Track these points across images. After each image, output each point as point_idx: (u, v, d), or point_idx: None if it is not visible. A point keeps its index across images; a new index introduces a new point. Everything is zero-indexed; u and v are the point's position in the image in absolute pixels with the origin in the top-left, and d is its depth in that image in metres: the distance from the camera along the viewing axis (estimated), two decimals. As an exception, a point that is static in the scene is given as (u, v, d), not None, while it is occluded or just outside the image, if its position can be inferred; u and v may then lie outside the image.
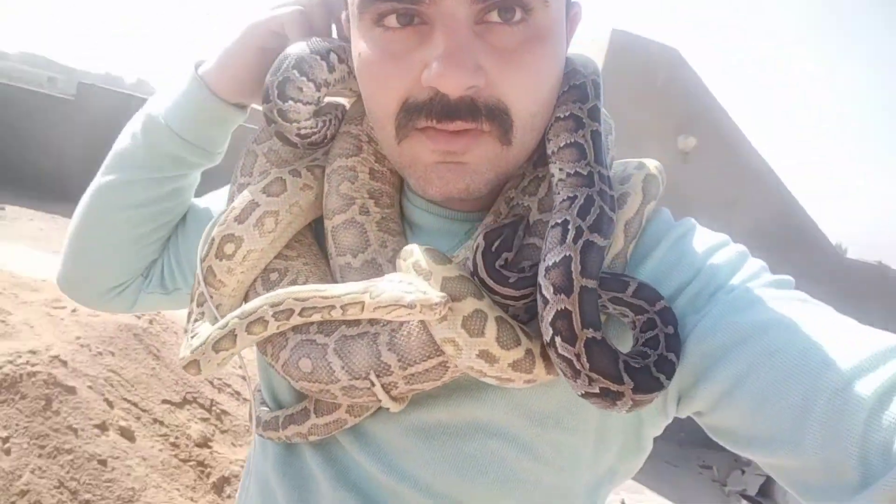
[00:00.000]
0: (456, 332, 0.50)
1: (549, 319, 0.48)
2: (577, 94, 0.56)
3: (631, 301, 0.52)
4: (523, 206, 0.58)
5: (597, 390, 0.47)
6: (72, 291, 0.80)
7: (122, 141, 0.73)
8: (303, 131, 0.62)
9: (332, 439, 0.64)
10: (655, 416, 0.58)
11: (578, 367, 0.47)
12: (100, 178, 0.73)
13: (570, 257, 0.49)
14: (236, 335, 0.56)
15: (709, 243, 0.58)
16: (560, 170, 0.55)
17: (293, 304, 0.54)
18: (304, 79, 0.60)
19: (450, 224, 0.63)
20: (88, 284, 0.78)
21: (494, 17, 0.51)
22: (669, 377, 0.49)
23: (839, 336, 0.45)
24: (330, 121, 0.65)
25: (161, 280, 0.79)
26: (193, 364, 0.59)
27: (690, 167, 5.47)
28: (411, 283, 0.50)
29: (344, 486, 0.61)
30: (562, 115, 0.56)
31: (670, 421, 0.59)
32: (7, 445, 2.00)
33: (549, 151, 0.57)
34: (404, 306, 0.48)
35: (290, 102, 0.60)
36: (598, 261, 0.49)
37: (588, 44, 5.65)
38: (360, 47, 0.55)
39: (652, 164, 0.63)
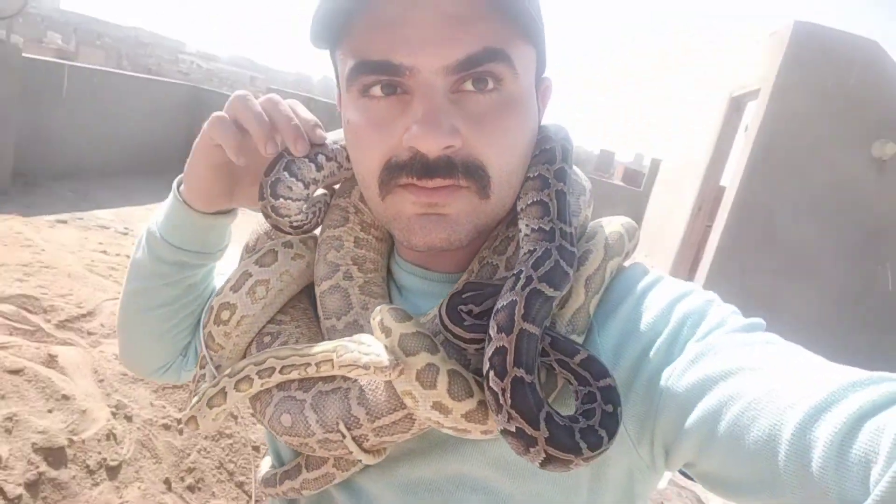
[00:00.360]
0: (411, 385, 0.53)
1: (489, 355, 0.51)
2: (545, 157, 0.60)
3: (576, 369, 0.52)
4: (492, 265, 0.61)
5: (513, 429, 0.48)
6: (130, 369, 0.89)
7: (135, 252, 0.78)
8: (294, 223, 0.68)
9: (328, 497, 0.68)
10: (645, 471, 0.58)
11: (502, 401, 0.49)
12: (125, 285, 0.79)
13: (516, 301, 0.51)
14: (226, 392, 0.62)
15: (674, 293, 0.59)
16: (526, 225, 0.58)
17: (274, 363, 0.60)
18: (294, 179, 0.65)
19: (432, 285, 0.67)
20: (139, 366, 0.86)
21: (469, 86, 0.55)
22: (592, 448, 0.48)
23: (806, 374, 0.45)
24: (320, 209, 0.71)
25: (196, 358, 0.85)
26: (192, 420, 0.64)
27: (887, 178, 4.78)
28: (370, 345, 0.54)
29: None
30: (531, 176, 0.60)
31: (661, 476, 0.59)
32: (181, 426, 2.35)
33: (518, 209, 0.60)
34: (361, 366, 0.52)
35: (282, 200, 0.65)
36: (544, 309, 0.51)
37: (766, 38, 5.14)
38: (348, 115, 0.60)
39: (619, 222, 0.65)
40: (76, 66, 7.77)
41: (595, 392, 0.51)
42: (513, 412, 0.48)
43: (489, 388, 0.50)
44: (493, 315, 0.52)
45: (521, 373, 0.49)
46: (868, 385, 0.41)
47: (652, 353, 0.55)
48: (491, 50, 0.54)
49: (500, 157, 0.57)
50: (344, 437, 0.58)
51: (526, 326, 0.50)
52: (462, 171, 0.56)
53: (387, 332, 0.54)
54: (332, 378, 0.60)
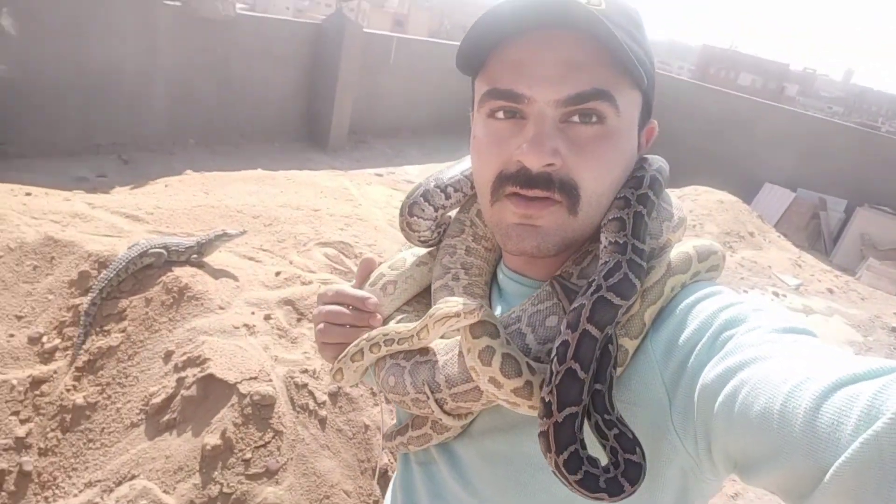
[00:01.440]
0: (474, 362, 0.64)
1: (556, 345, 0.61)
2: (634, 182, 0.69)
3: (613, 424, 0.59)
4: (568, 272, 0.71)
5: (546, 399, 0.58)
6: None
7: None
8: (423, 238, 0.85)
9: (431, 459, 0.82)
10: (696, 471, 0.63)
11: (553, 380, 0.58)
12: None
13: (584, 305, 0.60)
14: (363, 351, 0.77)
15: (722, 303, 0.63)
16: (605, 238, 0.67)
17: (394, 335, 0.75)
18: (427, 203, 0.82)
19: (526, 289, 0.77)
20: None
21: (575, 118, 0.65)
22: (590, 489, 0.56)
23: (815, 360, 0.49)
24: (444, 229, 0.85)
25: None
26: (339, 371, 0.80)
27: None
28: (456, 300, 0.67)
29: (437, 500, 0.80)
30: (618, 196, 0.69)
31: (714, 480, 0.64)
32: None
33: (601, 224, 0.68)
34: (452, 315, 0.65)
35: (415, 218, 0.82)
36: (609, 314, 0.59)
37: None
38: (476, 131, 0.72)
39: (692, 244, 0.70)
40: (403, 38, 8.95)
41: (619, 462, 0.58)
42: (554, 394, 0.58)
43: (550, 368, 0.60)
44: (566, 315, 0.62)
45: (576, 366, 0.58)
46: (887, 372, 0.44)
47: (694, 355, 0.60)
48: (597, 90, 0.64)
49: (592, 180, 0.66)
50: (427, 398, 0.71)
51: (589, 328, 0.59)
52: (558, 187, 0.65)
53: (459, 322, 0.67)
54: (427, 351, 0.74)
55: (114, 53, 6.37)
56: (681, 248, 0.70)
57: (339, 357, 0.80)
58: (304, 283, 2.92)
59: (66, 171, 5.74)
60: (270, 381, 2.29)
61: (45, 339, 2.43)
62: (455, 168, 0.85)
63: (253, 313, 2.63)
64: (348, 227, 3.53)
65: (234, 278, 2.77)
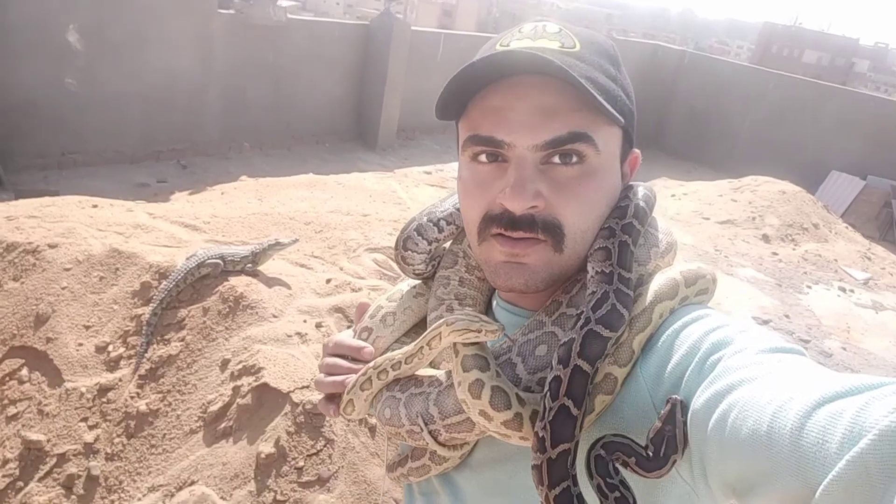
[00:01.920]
0: (465, 395, 0.65)
1: (549, 380, 0.61)
2: (618, 213, 0.71)
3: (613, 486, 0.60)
4: (557, 302, 0.72)
5: (541, 434, 0.59)
6: None
7: None
8: (417, 271, 0.88)
9: (434, 490, 0.84)
10: (693, 497, 0.63)
11: (547, 416, 0.59)
12: None
13: (574, 339, 0.61)
14: (371, 379, 0.78)
15: (709, 326, 0.63)
16: (592, 268, 0.68)
17: (399, 356, 0.75)
18: (420, 237, 0.84)
19: (520, 319, 0.78)
20: None
21: (556, 160, 0.67)
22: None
23: (801, 379, 0.50)
24: (438, 262, 0.87)
25: None
26: (350, 403, 0.80)
27: None
28: (476, 315, 0.67)
29: None
30: (603, 227, 0.70)
31: None
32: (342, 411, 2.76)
33: (588, 253, 0.70)
34: (473, 330, 0.65)
35: (409, 252, 0.85)
36: (598, 347, 0.61)
37: None
38: (461, 173, 0.74)
39: (679, 270, 0.70)
40: (449, 34, 8.93)
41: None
42: (548, 430, 0.59)
43: (543, 405, 0.60)
44: (557, 349, 0.63)
45: (569, 403, 0.59)
46: (877, 387, 0.44)
47: (684, 382, 0.61)
48: (574, 133, 0.65)
49: (575, 218, 0.68)
50: (421, 430, 0.72)
51: (580, 363, 0.60)
52: (541, 227, 0.67)
53: (456, 352, 0.67)
54: (422, 383, 0.75)
55: (171, 63, 6.61)
56: (668, 273, 0.70)
57: (349, 388, 0.81)
58: (354, 290, 2.96)
59: (129, 177, 6.01)
60: (321, 389, 2.34)
61: (110, 347, 2.55)
62: (447, 202, 0.87)
63: (305, 321, 2.69)
64: (397, 231, 3.56)
65: (287, 286, 2.84)
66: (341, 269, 3.21)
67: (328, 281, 2.96)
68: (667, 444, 0.58)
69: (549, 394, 0.61)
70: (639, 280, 0.70)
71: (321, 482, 2.19)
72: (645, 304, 0.67)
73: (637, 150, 0.77)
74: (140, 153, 6.54)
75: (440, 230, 0.85)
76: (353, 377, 0.81)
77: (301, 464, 2.20)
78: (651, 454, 0.59)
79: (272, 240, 2.89)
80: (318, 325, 2.70)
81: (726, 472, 0.54)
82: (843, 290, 5.96)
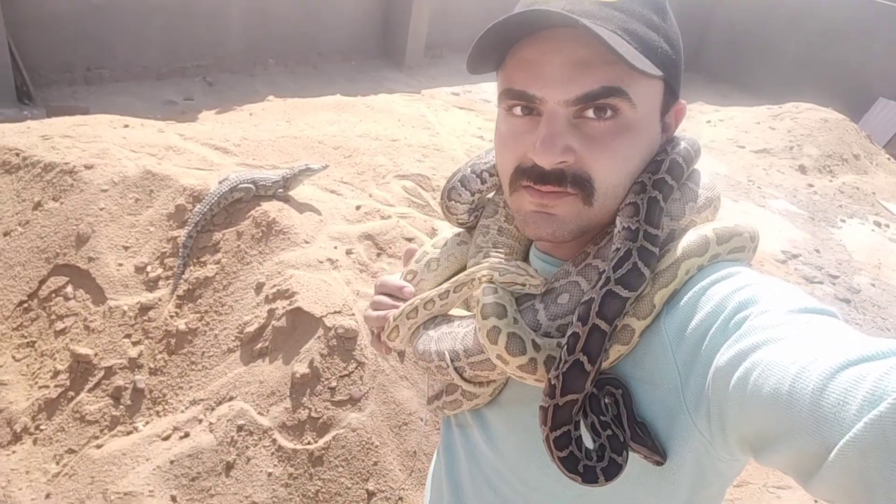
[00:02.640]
0: (484, 340, 0.69)
1: (568, 335, 0.65)
2: (652, 167, 0.70)
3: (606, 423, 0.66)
4: (586, 253, 0.73)
5: (556, 389, 0.63)
6: None
7: None
8: (460, 220, 0.91)
9: (467, 423, 0.89)
10: (710, 449, 0.64)
11: (560, 367, 0.64)
12: None
13: (593, 299, 0.64)
14: (417, 308, 0.83)
15: (736, 285, 0.63)
16: (619, 222, 0.68)
17: (449, 286, 0.80)
18: (464, 188, 0.87)
19: (553, 269, 0.80)
20: None
21: (590, 114, 0.67)
22: (568, 469, 0.63)
23: (825, 342, 0.51)
24: (480, 213, 0.90)
25: None
26: (395, 329, 0.85)
27: None
28: (524, 268, 0.72)
29: (471, 461, 0.88)
30: (636, 181, 0.70)
31: (731, 464, 0.66)
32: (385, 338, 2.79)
33: (618, 207, 0.70)
34: (518, 283, 0.70)
35: (453, 202, 0.89)
36: (617, 307, 0.63)
37: None
38: (498, 125, 0.75)
39: (712, 227, 0.69)
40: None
41: (604, 457, 0.65)
42: (561, 378, 0.63)
43: (560, 356, 0.64)
44: (578, 305, 0.66)
45: (584, 358, 0.63)
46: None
47: (708, 338, 0.61)
48: (607, 88, 0.65)
49: (607, 173, 0.68)
50: (447, 366, 0.77)
51: (598, 322, 0.63)
52: (571, 181, 0.68)
53: (477, 301, 0.72)
54: (452, 323, 0.80)
55: (194, -28, 6.38)
56: (700, 230, 0.69)
57: (396, 315, 0.85)
58: (383, 218, 2.98)
59: (156, 94, 5.97)
60: (353, 314, 2.40)
61: (149, 268, 2.63)
62: (491, 153, 0.88)
63: (336, 248, 2.73)
64: (426, 158, 3.53)
65: (318, 212, 2.86)
66: (370, 195, 3.21)
67: (358, 207, 2.97)
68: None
69: (566, 347, 0.64)
70: (670, 235, 0.70)
71: (353, 401, 2.30)
72: (672, 259, 0.67)
73: (683, 101, 0.76)
74: (165, 68, 6.45)
75: (483, 182, 0.87)
76: (400, 306, 0.86)
77: (334, 384, 2.30)
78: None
79: (303, 165, 2.89)
80: (349, 252, 2.74)
81: (745, 429, 0.55)
82: (879, 224, 5.83)
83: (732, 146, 6.91)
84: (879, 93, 9.14)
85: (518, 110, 0.70)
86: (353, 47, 7.87)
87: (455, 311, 0.86)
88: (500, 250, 0.85)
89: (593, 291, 0.65)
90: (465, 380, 0.78)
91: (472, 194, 0.88)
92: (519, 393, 0.79)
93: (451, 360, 0.76)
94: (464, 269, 0.91)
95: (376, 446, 2.27)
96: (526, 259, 0.87)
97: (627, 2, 0.67)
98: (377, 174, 3.30)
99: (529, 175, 0.70)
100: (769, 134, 7.09)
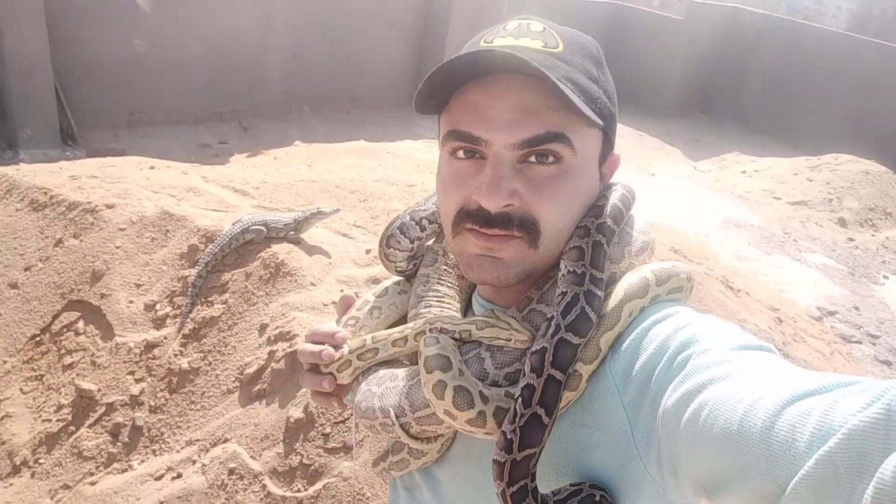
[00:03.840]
0: (430, 395, 0.67)
1: (521, 386, 0.64)
2: (595, 212, 0.71)
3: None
4: (529, 298, 0.73)
5: (509, 436, 0.62)
6: None
7: None
8: (398, 268, 0.89)
9: (416, 484, 0.85)
10: (658, 490, 0.63)
11: (516, 422, 0.62)
12: None
13: (546, 349, 0.63)
14: (372, 350, 0.79)
15: (677, 324, 0.64)
16: (564, 266, 0.69)
17: (389, 340, 0.78)
18: (403, 236, 0.86)
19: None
20: None
21: (533, 159, 0.67)
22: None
23: (769, 378, 0.51)
24: (420, 260, 0.88)
25: None
26: (347, 363, 0.80)
27: None
28: (508, 323, 0.69)
29: None
30: (579, 225, 0.71)
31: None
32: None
33: (563, 250, 0.71)
34: (503, 339, 0.68)
35: (392, 249, 0.87)
36: (569, 354, 0.63)
37: None
38: (440, 168, 0.75)
39: (650, 269, 0.70)
40: (515, -5, 8.64)
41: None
42: (517, 432, 0.62)
43: (514, 409, 0.63)
44: (528, 354, 0.65)
45: (541, 411, 0.62)
46: (847, 385, 0.45)
47: (654, 380, 0.62)
48: (552, 133, 0.66)
49: (551, 216, 0.69)
50: (393, 423, 0.73)
51: (553, 372, 0.62)
52: (517, 224, 0.68)
53: (420, 354, 0.70)
54: (396, 377, 0.76)
55: (234, 25, 6.72)
56: (639, 272, 0.71)
57: (349, 350, 0.81)
58: (392, 262, 2.99)
59: (193, 137, 6.22)
60: (352, 360, 2.38)
61: (158, 306, 2.68)
62: (430, 200, 0.88)
63: (342, 290, 2.73)
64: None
65: (327, 255, 2.88)
66: (382, 239, 3.23)
67: (368, 251, 2.98)
68: None
69: (521, 400, 0.63)
70: (611, 278, 0.71)
71: (346, 449, 2.25)
72: (615, 302, 0.67)
73: (617, 153, 0.77)
74: (203, 114, 6.73)
75: (422, 229, 0.87)
76: (354, 342, 0.82)
77: (328, 430, 2.26)
78: None
79: (314, 208, 2.93)
80: (356, 296, 2.75)
81: (697, 470, 0.55)
82: (924, 282, 5.55)
83: (768, 197, 6.75)
84: (926, 145, 8.84)
85: (461, 153, 0.70)
86: (385, 94, 8.08)
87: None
88: (443, 300, 0.83)
89: (544, 340, 0.64)
90: (411, 436, 0.75)
91: (412, 241, 0.87)
92: (467, 448, 0.77)
93: (397, 417, 0.74)
94: (404, 318, 0.89)
95: (367, 498, 2.20)
96: (469, 307, 0.86)
97: (569, 53, 0.68)
98: (391, 218, 3.33)
99: (475, 218, 0.69)
100: (807, 185, 6.92)
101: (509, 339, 0.67)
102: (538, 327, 0.68)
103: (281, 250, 2.79)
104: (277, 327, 2.53)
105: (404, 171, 3.94)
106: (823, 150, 7.76)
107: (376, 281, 2.84)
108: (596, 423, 0.66)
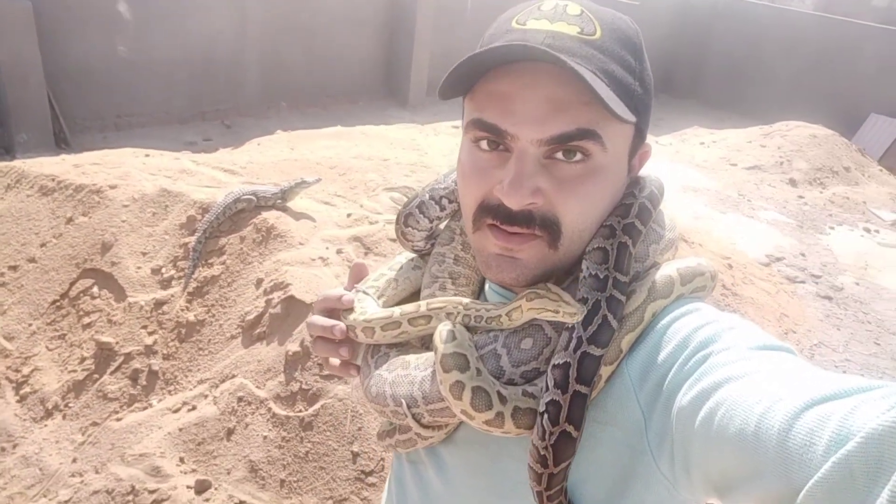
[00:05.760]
0: (447, 393, 0.65)
1: (546, 400, 0.62)
2: (621, 211, 0.68)
3: None
4: None
5: (548, 460, 0.62)
6: None
7: None
8: (416, 247, 0.87)
9: (420, 460, 0.83)
10: (668, 487, 0.63)
11: (547, 438, 0.61)
12: None
13: (569, 364, 0.62)
14: (398, 322, 0.76)
15: (697, 323, 0.63)
16: (586, 268, 0.66)
17: (450, 307, 0.73)
18: (422, 215, 0.83)
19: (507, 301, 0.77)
20: None
21: (560, 155, 0.64)
22: None
23: (787, 379, 0.51)
24: (437, 239, 0.86)
25: None
26: (370, 329, 0.76)
27: None
28: (557, 294, 0.64)
29: (424, 497, 0.83)
30: (604, 224, 0.68)
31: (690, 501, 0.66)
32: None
33: (586, 250, 0.68)
34: (550, 310, 0.63)
35: (410, 229, 0.84)
36: (593, 367, 0.62)
37: None
38: (461, 155, 0.71)
39: (675, 267, 0.69)
40: (478, -11, 9.03)
41: None
42: (550, 449, 0.61)
43: (542, 425, 0.62)
44: (550, 367, 0.63)
45: (570, 428, 0.61)
46: (864, 391, 0.45)
47: (670, 376, 0.61)
48: (583, 130, 0.62)
49: (575, 216, 0.65)
50: (406, 415, 0.72)
51: (579, 388, 0.61)
52: (539, 223, 0.65)
53: (435, 349, 0.67)
54: (408, 364, 0.74)
55: (211, 29, 7.05)
56: (664, 271, 0.68)
57: (373, 317, 0.77)
58: (371, 223, 3.32)
59: (178, 136, 6.52)
60: (339, 301, 2.72)
61: (163, 270, 3.00)
62: (449, 178, 0.83)
63: (327, 248, 3.07)
64: (413, 173, 3.89)
65: (312, 220, 3.22)
66: (361, 206, 3.57)
67: (349, 215, 3.32)
68: None
69: (547, 416, 0.61)
70: (634, 276, 0.68)
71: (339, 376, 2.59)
72: (638, 302, 0.65)
73: (648, 144, 0.73)
74: (187, 114, 7.05)
75: (442, 208, 0.83)
76: (382, 311, 0.79)
77: (321, 360, 2.60)
78: None
79: (299, 179, 3.27)
80: (339, 251, 3.08)
81: (710, 469, 0.54)
82: (868, 230, 6.00)
83: (724, 164, 7.18)
84: (871, 109, 9.38)
85: (485, 144, 0.66)
86: (360, 89, 8.43)
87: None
88: (458, 281, 0.80)
89: (567, 354, 0.62)
90: (422, 426, 0.73)
91: (431, 221, 0.83)
92: (476, 433, 0.71)
93: (409, 407, 0.71)
94: (416, 293, 0.86)
95: (360, 414, 2.55)
96: (482, 290, 0.83)
97: (607, 41, 0.64)
98: (368, 188, 3.67)
99: (496, 214, 0.66)
100: (760, 151, 7.36)
101: (557, 312, 0.62)
102: (554, 326, 0.67)
103: (270, 216, 3.12)
104: (272, 280, 2.86)
105: (378, 148, 4.29)
106: (776, 120, 8.22)
107: (358, 240, 3.18)
108: (609, 418, 0.65)
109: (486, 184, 0.66)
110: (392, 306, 0.81)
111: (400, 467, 0.90)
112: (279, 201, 3.20)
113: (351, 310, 0.79)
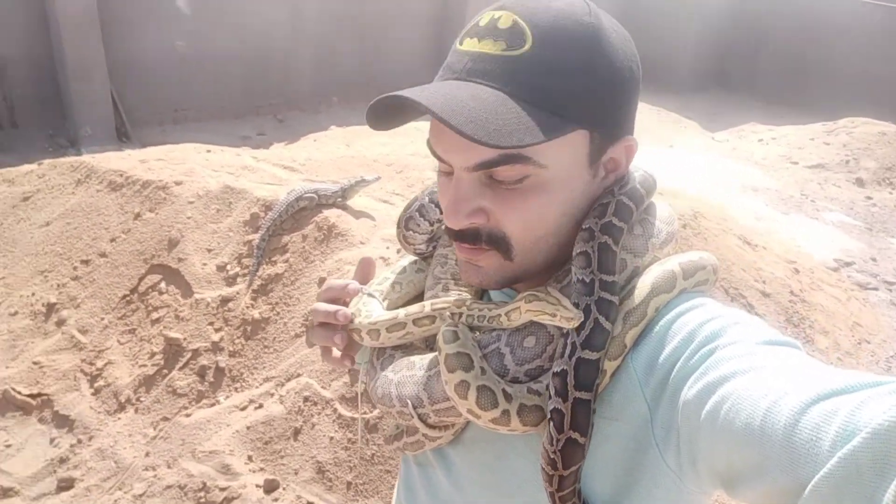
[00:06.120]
0: (452, 394, 0.66)
1: (550, 409, 0.64)
2: (598, 212, 0.67)
3: None
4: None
5: (557, 463, 0.63)
6: None
7: None
8: (418, 250, 0.88)
9: (429, 462, 0.84)
10: (674, 479, 0.63)
11: (556, 446, 0.63)
12: None
13: (566, 371, 0.62)
14: (403, 325, 0.76)
15: (703, 317, 0.63)
16: (574, 274, 0.67)
17: (422, 316, 0.75)
18: (422, 218, 0.84)
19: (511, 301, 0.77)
20: None
21: (497, 177, 0.64)
22: None
23: (792, 374, 0.51)
24: (438, 242, 0.87)
25: None
26: (375, 331, 0.77)
27: None
28: (556, 298, 0.64)
29: (432, 499, 0.83)
30: (583, 227, 0.68)
31: (696, 494, 0.65)
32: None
33: (572, 255, 0.68)
34: (548, 313, 0.63)
35: (411, 232, 0.86)
36: (591, 372, 0.62)
37: None
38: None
39: (678, 261, 0.68)
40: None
41: None
42: (559, 454, 0.62)
43: (550, 433, 0.63)
44: (551, 375, 0.64)
45: (575, 435, 0.61)
46: (872, 386, 0.44)
47: (676, 370, 0.61)
48: (505, 156, 0.61)
49: (521, 231, 0.66)
50: (412, 415, 0.72)
51: (579, 394, 0.61)
52: (486, 239, 0.67)
53: (439, 350, 0.68)
54: (413, 365, 0.75)
55: (266, 23, 7.11)
56: (665, 265, 0.68)
57: (377, 319, 0.78)
58: (431, 222, 3.30)
59: (233, 130, 6.62)
60: (403, 302, 2.70)
61: (228, 267, 3.03)
62: None
63: (387, 248, 3.05)
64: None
65: (372, 218, 3.20)
66: (421, 204, 3.55)
67: (409, 214, 3.30)
68: None
69: (553, 424, 0.62)
70: (634, 272, 0.69)
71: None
72: (641, 297, 0.65)
73: (632, 137, 0.70)
74: (242, 109, 7.15)
75: (441, 211, 0.83)
76: (387, 313, 0.79)
77: (386, 362, 2.59)
78: None
79: (358, 177, 3.26)
80: (399, 251, 3.06)
81: (716, 462, 0.54)
82: (941, 236, 5.69)
83: (785, 162, 6.91)
84: (944, 105, 8.88)
85: (443, 166, 0.69)
86: (411, 84, 8.36)
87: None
88: (460, 282, 0.81)
89: (563, 362, 0.63)
90: (429, 426, 0.74)
91: (431, 224, 0.85)
92: (481, 432, 0.73)
93: (415, 408, 0.72)
94: (419, 296, 0.87)
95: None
96: (483, 291, 0.82)
97: (539, 49, 0.61)
98: (425, 186, 3.65)
99: (448, 232, 0.71)
100: (823, 149, 7.06)
101: (554, 316, 0.62)
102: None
103: (332, 215, 3.12)
104: (335, 279, 2.87)
105: (435, 145, 4.27)
106: (840, 116, 7.87)
107: (418, 238, 3.16)
108: (615, 413, 0.65)
109: (443, 203, 0.69)
110: (396, 308, 0.83)
111: (408, 471, 0.91)
112: (339, 199, 3.20)
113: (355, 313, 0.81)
